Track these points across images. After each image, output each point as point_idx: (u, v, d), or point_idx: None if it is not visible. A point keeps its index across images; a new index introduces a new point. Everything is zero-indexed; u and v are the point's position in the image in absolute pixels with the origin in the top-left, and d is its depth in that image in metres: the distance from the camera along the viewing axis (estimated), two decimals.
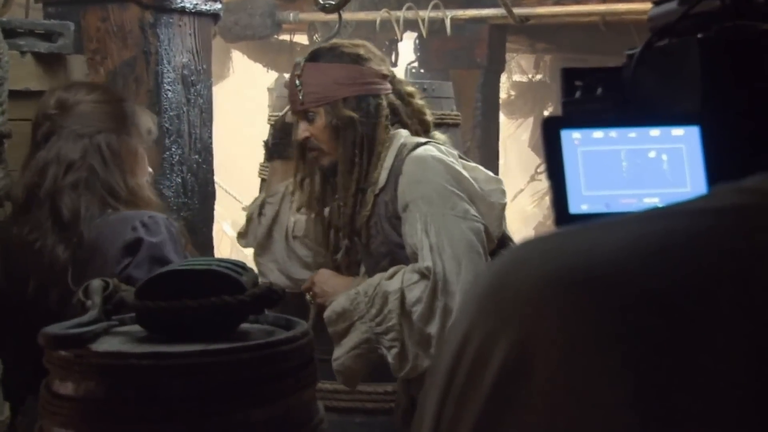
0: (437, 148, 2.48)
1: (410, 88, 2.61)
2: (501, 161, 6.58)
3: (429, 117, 2.62)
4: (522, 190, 9.83)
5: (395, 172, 2.45)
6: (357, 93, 2.50)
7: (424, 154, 2.44)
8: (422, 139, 2.51)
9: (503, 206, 2.51)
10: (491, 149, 6.04)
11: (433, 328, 2.33)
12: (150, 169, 2.49)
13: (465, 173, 2.45)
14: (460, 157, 2.54)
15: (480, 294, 0.52)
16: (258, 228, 2.85)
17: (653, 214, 0.51)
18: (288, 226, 2.81)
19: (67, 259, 2.17)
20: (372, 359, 2.44)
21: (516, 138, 10.03)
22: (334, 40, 2.72)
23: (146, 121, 2.46)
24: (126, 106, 2.40)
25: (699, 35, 0.94)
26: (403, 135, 2.51)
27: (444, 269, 2.32)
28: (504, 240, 2.56)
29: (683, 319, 0.44)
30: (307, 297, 2.61)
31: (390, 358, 2.37)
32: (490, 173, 2.60)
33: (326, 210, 2.65)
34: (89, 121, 2.30)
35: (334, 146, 2.51)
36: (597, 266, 0.47)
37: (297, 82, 2.52)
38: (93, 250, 2.19)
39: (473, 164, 2.59)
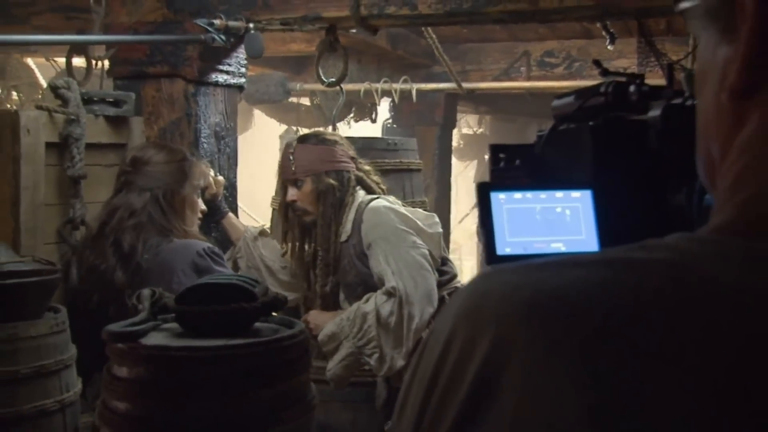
0: (386, 200, 2.51)
1: (367, 167, 2.62)
2: (453, 192, 6.59)
3: (383, 186, 2.62)
4: (467, 214, 9.85)
5: (357, 222, 2.46)
6: (335, 168, 2.51)
7: (378, 205, 2.46)
8: (374, 195, 2.52)
9: (440, 234, 2.51)
10: (446, 184, 6.06)
11: (403, 331, 2.34)
12: (203, 206, 2.48)
13: (409, 215, 2.46)
14: (402, 204, 2.57)
15: (459, 309, 0.47)
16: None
17: (598, 259, 0.46)
18: (267, 264, 2.72)
19: (125, 282, 2.17)
20: (356, 367, 2.43)
21: (465, 175, 10.04)
22: (316, 129, 2.71)
23: (199, 172, 2.45)
24: (185, 164, 2.38)
25: (590, 123, 0.95)
26: (361, 195, 2.52)
27: (405, 287, 2.34)
28: (444, 260, 2.56)
29: (625, 349, 0.40)
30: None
31: (372, 362, 2.37)
32: (426, 212, 2.61)
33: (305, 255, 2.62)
34: (153, 179, 2.31)
35: (316, 207, 2.51)
36: (550, 302, 0.43)
37: (291, 157, 2.53)
38: (163, 266, 2.18)
39: (413, 208, 2.60)
